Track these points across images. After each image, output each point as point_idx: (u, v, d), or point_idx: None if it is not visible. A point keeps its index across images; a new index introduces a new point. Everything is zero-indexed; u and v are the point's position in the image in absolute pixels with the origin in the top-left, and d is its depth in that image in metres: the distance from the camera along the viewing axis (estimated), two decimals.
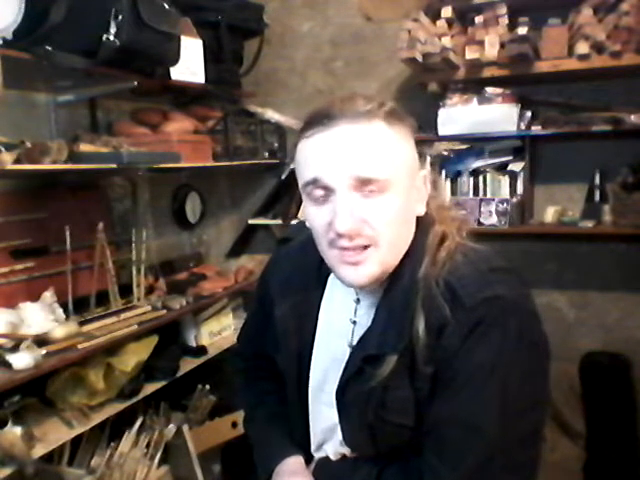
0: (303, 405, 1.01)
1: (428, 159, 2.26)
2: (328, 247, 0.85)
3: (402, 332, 0.84)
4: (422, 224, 0.90)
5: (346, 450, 0.97)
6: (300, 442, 1.04)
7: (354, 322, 0.94)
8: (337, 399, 0.93)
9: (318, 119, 0.83)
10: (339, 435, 0.96)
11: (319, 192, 0.83)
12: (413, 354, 0.84)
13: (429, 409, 0.85)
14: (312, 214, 0.86)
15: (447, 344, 0.81)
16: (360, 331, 0.92)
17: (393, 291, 0.87)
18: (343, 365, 0.92)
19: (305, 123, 0.85)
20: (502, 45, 2.08)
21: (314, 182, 0.83)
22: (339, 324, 0.96)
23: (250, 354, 1.19)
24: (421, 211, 0.89)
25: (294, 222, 2.45)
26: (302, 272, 1.00)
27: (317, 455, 1.03)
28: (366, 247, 0.83)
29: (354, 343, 0.93)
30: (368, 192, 0.81)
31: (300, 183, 0.87)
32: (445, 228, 0.89)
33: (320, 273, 0.98)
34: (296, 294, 0.99)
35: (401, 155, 0.84)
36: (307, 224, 0.90)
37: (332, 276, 0.98)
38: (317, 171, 0.82)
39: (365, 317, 0.92)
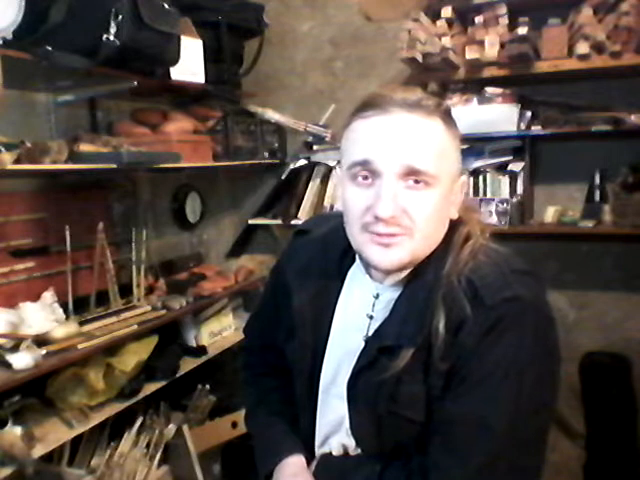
0: (312, 398, 1.01)
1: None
2: (360, 230, 0.86)
3: (422, 326, 0.85)
4: (450, 226, 0.91)
5: (351, 443, 0.97)
6: (305, 437, 1.04)
7: (371, 317, 0.95)
8: (348, 389, 0.93)
9: (378, 102, 0.83)
10: (346, 427, 0.96)
11: (365, 174, 0.84)
12: (430, 350, 0.84)
13: (440, 405, 0.86)
14: (351, 195, 0.86)
15: (464, 341, 0.82)
16: (376, 325, 0.93)
17: (415, 286, 0.88)
18: (357, 356, 0.93)
19: (362, 103, 0.86)
20: (502, 45, 2.08)
21: (363, 163, 0.83)
22: (356, 318, 0.96)
23: (257, 346, 1.18)
24: (454, 215, 0.90)
25: (294, 222, 2.45)
26: (322, 264, 1.00)
27: (321, 450, 1.03)
28: (400, 235, 0.84)
29: (370, 336, 0.93)
30: (413, 183, 0.83)
31: (346, 162, 0.87)
32: (470, 228, 0.91)
33: (340, 267, 0.99)
34: (315, 285, 0.99)
35: (451, 156, 0.86)
36: (339, 206, 0.91)
37: (352, 271, 0.99)
38: (369, 153, 0.83)
39: (382, 312, 0.93)
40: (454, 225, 0.91)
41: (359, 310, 0.96)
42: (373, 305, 0.94)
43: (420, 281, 0.88)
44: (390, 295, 0.92)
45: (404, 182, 0.82)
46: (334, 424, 0.99)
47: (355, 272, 0.98)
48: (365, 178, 0.84)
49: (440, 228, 0.88)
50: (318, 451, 1.03)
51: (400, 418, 0.88)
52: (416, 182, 0.82)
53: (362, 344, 0.93)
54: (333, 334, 0.98)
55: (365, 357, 0.91)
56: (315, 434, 1.03)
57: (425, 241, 0.86)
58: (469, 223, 0.92)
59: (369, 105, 0.84)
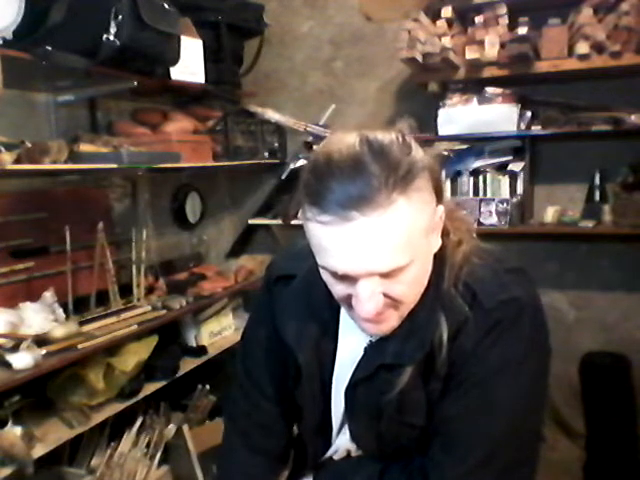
0: (326, 439, 1.01)
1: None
2: (347, 307, 0.84)
3: (424, 342, 0.84)
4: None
5: (354, 447, 0.98)
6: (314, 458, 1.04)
7: (371, 342, 0.92)
8: (346, 400, 0.93)
9: (328, 203, 0.73)
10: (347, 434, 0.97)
11: (338, 276, 0.79)
12: (432, 359, 0.84)
13: (439, 407, 0.86)
14: (330, 282, 0.82)
15: (464, 344, 0.83)
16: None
17: (417, 309, 0.86)
18: (354, 367, 0.92)
19: (309, 195, 0.75)
20: (502, 45, 2.07)
21: (334, 274, 0.79)
22: (357, 347, 0.94)
23: (252, 392, 1.09)
24: (438, 244, 0.85)
25: (294, 222, 2.45)
26: (313, 315, 0.96)
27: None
28: (387, 311, 0.82)
29: (369, 349, 0.92)
30: (389, 275, 0.77)
31: (317, 259, 0.81)
32: (460, 235, 0.89)
33: (331, 308, 0.94)
34: (314, 339, 0.96)
35: (421, 224, 0.77)
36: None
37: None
38: (336, 264, 0.77)
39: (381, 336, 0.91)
40: (444, 238, 0.88)
41: (359, 341, 0.93)
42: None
43: (422, 302, 0.86)
44: None
45: (379, 277, 0.77)
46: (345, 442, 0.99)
47: None
48: (340, 278, 0.79)
49: (425, 278, 0.84)
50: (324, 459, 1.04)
51: (402, 425, 0.89)
52: (391, 274, 0.77)
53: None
54: (338, 369, 0.97)
55: (363, 370, 0.91)
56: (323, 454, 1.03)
57: (412, 302, 0.84)
58: (458, 229, 0.90)
59: (322, 204, 0.73)
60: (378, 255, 0.75)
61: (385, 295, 0.79)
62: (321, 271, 0.82)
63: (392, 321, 0.84)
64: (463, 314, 0.82)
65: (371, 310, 0.78)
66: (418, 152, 0.78)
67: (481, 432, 0.83)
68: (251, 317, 1.14)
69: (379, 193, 0.71)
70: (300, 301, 0.97)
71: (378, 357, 0.89)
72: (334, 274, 0.79)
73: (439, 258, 0.86)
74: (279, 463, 1.10)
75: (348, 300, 0.81)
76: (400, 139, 0.77)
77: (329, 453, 1.02)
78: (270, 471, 1.09)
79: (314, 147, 2.51)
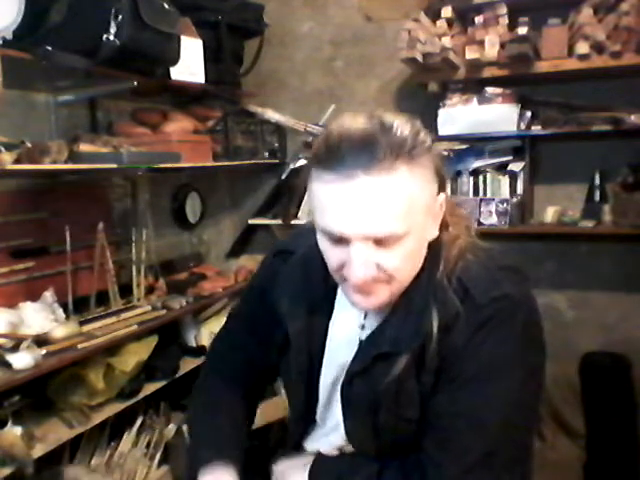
0: (309, 417, 1.03)
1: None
2: (340, 279, 0.86)
3: (419, 331, 0.86)
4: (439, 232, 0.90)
5: (348, 447, 0.98)
6: (294, 443, 1.06)
7: (363, 325, 0.95)
8: (342, 394, 0.94)
9: (334, 163, 0.77)
10: (341, 432, 0.97)
11: (334, 237, 0.82)
12: (424, 350, 0.86)
13: (432, 402, 0.87)
14: (326, 249, 0.85)
15: (456, 339, 0.84)
16: (368, 333, 0.93)
17: (412, 295, 0.88)
18: (349, 362, 0.94)
19: (318, 159, 0.80)
20: (502, 45, 2.08)
21: (330, 234, 0.82)
22: (348, 330, 0.97)
23: (228, 360, 1.13)
24: (434, 234, 0.87)
25: (294, 222, 2.45)
26: (309, 289, 0.99)
27: (317, 445, 1.04)
28: (377, 284, 0.83)
29: (363, 342, 0.94)
30: (384, 243, 0.80)
31: (315, 220, 0.84)
32: (458, 230, 0.91)
33: (327, 286, 0.97)
34: (307, 310, 0.98)
35: (421, 199, 0.81)
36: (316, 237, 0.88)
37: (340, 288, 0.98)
38: (334, 224, 0.80)
39: (374, 320, 0.94)
40: (442, 230, 0.90)
41: (351, 323, 0.97)
42: (365, 315, 0.95)
43: (416, 290, 0.88)
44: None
45: (374, 243, 0.80)
46: (334, 427, 1.00)
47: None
48: (335, 240, 0.82)
49: (418, 261, 0.87)
50: (310, 448, 1.05)
51: (398, 419, 0.89)
52: (386, 242, 0.80)
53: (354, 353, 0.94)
54: (328, 351, 0.99)
55: (359, 363, 0.92)
56: (307, 436, 1.05)
57: (405, 278, 0.86)
58: (457, 224, 0.92)
59: (325, 165, 0.78)
60: (375, 218, 0.77)
61: (378, 267, 0.81)
62: (319, 239, 0.86)
63: (382, 296, 0.85)
64: (455, 308, 0.84)
65: (361, 275, 0.80)
66: (426, 136, 0.82)
67: (477, 430, 0.84)
68: (242, 295, 1.18)
69: (384, 159, 0.76)
70: (297, 276, 1.00)
71: (374, 348, 0.90)
72: (331, 237, 0.82)
73: (435, 249, 0.88)
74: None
75: (341, 270, 0.83)
76: (409, 122, 0.81)
77: (321, 448, 1.02)
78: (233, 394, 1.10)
79: None
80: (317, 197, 0.81)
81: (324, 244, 0.85)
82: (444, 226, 0.90)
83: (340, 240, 0.81)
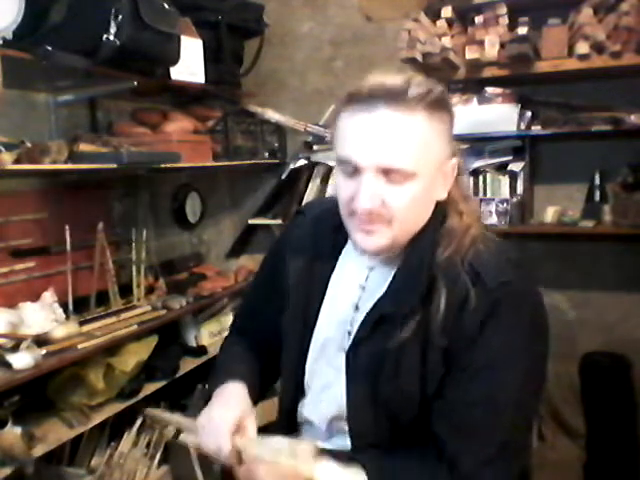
0: (300, 369, 1.05)
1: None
2: (348, 215, 0.92)
3: (417, 285, 0.90)
4: (443, 203, 0.95)
5: (339, 420, 0.99)
6: (287, 405, 1.08)
7: (363, 287, 0.99)
8: (347, 360, 0.96)
9: (363, 95, 0.86)
10: (336, 395, 0.98)
11: (350, 169, 0.89)
12: (428, 325, 0.88)
13: (445, 392, 0.89)
14: (340, 184, 0.92)
15: (465, 321, 0.87)
16: (368, 297, 0.97)
17: (411, 261, 0.93)
18: (348, 327, 0.97)
19: (350, 95, 0.88)
20: (502, 45, 2.07)
21: (346, 161, 0.89)
22: (348, 289, 1.01)
23: (248, 329, 1.19)
24: (442, 196, 0.94)
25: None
26: (316, 238, 1.05)
27: (307, 415, 1.05)
28: (378, 223, 0.89)
29: (360, 306, 0.98)
30: (392, 178, 0.86)
31: (336, 153, 0.92)
32: (471, 218, 0.96)
33: (334, 243, 1.04)
34: (308, 260, 1.04)
35: (434, 148, 0.88)
36: (334, 192, 0.96)
37: (346, 248, 1.04)
38: (350, 152, 0.87)
39: (375, 284, 0.97)
40: (449, 207, 0.95)
41: (352, 282, 1.01)
42: (367, 277, 0.99)
43: (415, 256, 0.93)
44: (384, 269, 0.97)
45: (384, 177, 0.87)
46: (324, 388, 1.01)
47: (349, 249, 1.03)
48: (350, 172, 0.89)
49: (422, 213, 0.93)
50: (300, 419, 1.07)
51: (397, 391, 0.91)
52: (395, 177, 0.86)
53: (352, 314, 0.98)
54: (325, 305, 1.03)
55: (364, 328, 0.95)
56: (298, 403, 1.06)
57: (405, 227, 0.91)
58: (470, 213, 0.97)
59: (354, 99, 0.87)
60: (389, 149, 0.85)
61: (383, 204, 0.87)
62: (336, 175, 0.94)
63: (383, 237, 0.90)
64: (465, 288, 0.87)
65: (367, 206, 0.86)
66: (451, 101, 0.92)
67: (493, 417, 0.86)
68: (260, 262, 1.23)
69: (407, 100, 0.84)
70: (306, 231, 1.08)
71: (376, 312, 0.94)
72: (346, 169, 0.89)
73: (437, 219, 0.94)
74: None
75: (350, 205, 0.89)
76: (440, 85, 0.90)
77: (315, 421, 1.03)
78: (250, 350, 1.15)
79: (314, 147, 2.51)
80: (340, 129, 0.90)
81: (339, 179, 0.92)
82: (458, 213, 0.95)
83: (354, 172, 0.88)
